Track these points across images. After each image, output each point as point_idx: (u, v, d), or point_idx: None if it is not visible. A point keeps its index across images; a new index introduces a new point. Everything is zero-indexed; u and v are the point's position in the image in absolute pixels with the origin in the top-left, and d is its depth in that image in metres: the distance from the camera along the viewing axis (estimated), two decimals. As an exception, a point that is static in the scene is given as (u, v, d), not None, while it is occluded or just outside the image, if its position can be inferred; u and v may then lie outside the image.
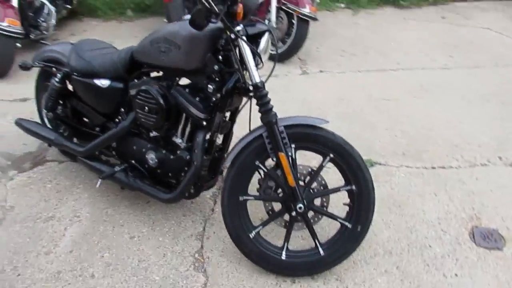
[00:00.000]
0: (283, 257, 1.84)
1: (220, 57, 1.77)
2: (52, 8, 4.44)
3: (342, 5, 6.03)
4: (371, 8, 5.88)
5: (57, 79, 2.24)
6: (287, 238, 1.87)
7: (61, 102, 2.36)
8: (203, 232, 2.11)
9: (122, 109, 2.15)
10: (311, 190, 1.87)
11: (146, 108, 1.90)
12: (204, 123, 1.87)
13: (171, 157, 1.98)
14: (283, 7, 3.95)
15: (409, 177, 2.51)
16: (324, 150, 1.81)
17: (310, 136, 1.79)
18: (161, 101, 1.86)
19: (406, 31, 5.06)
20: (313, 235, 1.85)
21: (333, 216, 1.89)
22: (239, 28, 1.68)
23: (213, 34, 1.74)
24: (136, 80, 2.03)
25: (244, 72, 1.74)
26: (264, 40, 1.75)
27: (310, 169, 1.89)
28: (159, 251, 1.99)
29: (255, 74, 1.72)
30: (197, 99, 1.86)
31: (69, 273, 1.86)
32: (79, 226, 2.13)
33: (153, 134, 2.05)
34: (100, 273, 1.87)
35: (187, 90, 1.90)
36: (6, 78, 3.69)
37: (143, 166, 2.09)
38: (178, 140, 1.98)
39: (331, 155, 1.81)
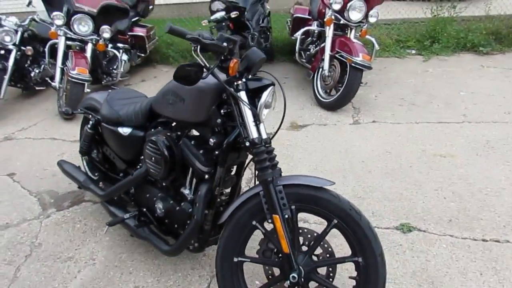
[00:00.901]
0: (279, 329, 1.67)
1: (223, 111, 1.74)
2: (125, 58, 4.88)
3: (413, 51, 5.75)
4: (445, 55, 5.50)
5: (89, 125, 2.38)
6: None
7: (94, 147, 2.49)
8: (206, 290, 2.00)
9: (142, 157, 2.20)
10: (313, 258, 1.69)
11: (153, 158, 1.92)
12: (207, 176, 1.82)
13: (176, 208, 1.95)
14: (337, 56, 3.86)
15: (452, 249, 2.17)
16: (328, 215, 1.64)
17: (311, 198, 1.64)
18: (166, 152, 1.86)
19: (481, 79, 4.60)
20: (314, 309, 1.66)
21: (337, 291, 1.67)
22: (239, 82, 1.64)
23: (218, 87, 1.71)
24: (152, 130, 2.07)
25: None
26: (265, 94, 1.67)
27: (315, 234, 1.72)
28: (157, 305, 1.92)
29: (253, 130, 1.65)
30: (201, 151, 1.83)
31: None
32: (92, 269, 2.16)
33: (164, 183, 2.05)
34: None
35: (193, 142, 1.88)
36: (74, 120, 4.05)
37: (153, 214, 2.09)
38: (186, 191, 1.95)
39: (335, 221, 1.63)
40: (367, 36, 4.17)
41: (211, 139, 1.76)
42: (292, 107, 4.08)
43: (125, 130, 2.17)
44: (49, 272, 2.16)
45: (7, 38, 4.19)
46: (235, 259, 1.72)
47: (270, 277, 1.77)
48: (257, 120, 1.67)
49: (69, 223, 2.54)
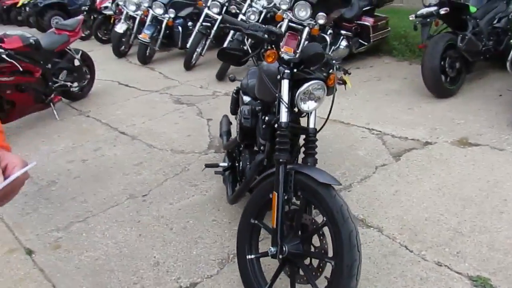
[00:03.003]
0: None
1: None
2: (343, 44, 5.25)
3: None
4: None
5: (234, 90, 2.98)
6: (272, 279, 1.87)
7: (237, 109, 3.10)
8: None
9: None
10: (306, 247, 1.79)
11: (237, 121, 2.34)
12: (262, 147, 2.13)
13: (247, 167, 2.33)
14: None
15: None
16: (321, 211, 1.70)
17: (312, 190, 1.73)
18: (242, 119, 2.24)
19: None
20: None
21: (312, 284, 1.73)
22: (285, 71, 1.85)
23: (275, 73, 1.94)
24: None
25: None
26: (306, 85, 1.81)
27: (314, 226, 1.79)
28: None
29: (283, 115, 1.84)
30: (263, 126, 2.13)
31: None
32: (201, 198, 2.84)
33: (241, 146, 2.46)
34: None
35: (263, 117, 2.19)
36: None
37: (237, 168, 2.54)
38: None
39: (324, 219, 1.68)
40: None
41: (264, 117, 2.04)
42: (477, 120, 3.53)
43: (246, 98, 2.66)
44: (179, 188, 2.98)
45: (252, 17, 5.27)
46: (252, 221, 1.99)
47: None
48: (292, 106, 1.84)
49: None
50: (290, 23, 4.84)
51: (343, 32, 5.29)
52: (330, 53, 5.08)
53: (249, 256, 1.96)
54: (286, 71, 1.84)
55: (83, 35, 8.83)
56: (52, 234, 2.59)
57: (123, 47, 7.10)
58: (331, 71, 2.05)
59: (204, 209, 2.72)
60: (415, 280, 1.99)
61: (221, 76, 5.34)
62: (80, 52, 4.87)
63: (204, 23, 5.91)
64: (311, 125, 1.94)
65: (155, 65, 6.57)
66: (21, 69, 3.86)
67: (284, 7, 4.72)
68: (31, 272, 2.28)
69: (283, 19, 4.84)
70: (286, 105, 1.84)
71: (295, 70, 1.86)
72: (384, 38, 5.86)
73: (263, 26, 1.84)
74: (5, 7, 12.16)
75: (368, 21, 5.45)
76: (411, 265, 2.09)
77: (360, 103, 4.30)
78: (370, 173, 2.97)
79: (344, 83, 2.37)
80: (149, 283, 2.14)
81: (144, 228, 2.58)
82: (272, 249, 1.77)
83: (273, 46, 1.83)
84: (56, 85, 4.57)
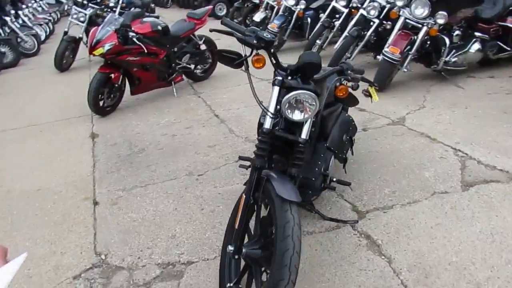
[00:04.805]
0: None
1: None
2: (474, 48, 4.55)
3: None
4: None
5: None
6: (239, 276, 1.93)
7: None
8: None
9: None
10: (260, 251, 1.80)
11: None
12: None
13: None
14: None
15: None
16: (273, 223, 1.69)
17: (270, 199, 1.74)
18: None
19: None
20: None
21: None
22: (277, 78, 1.84)
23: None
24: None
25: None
26: (288, 95, 1.78)
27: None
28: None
29: (266, 122, 1.86)
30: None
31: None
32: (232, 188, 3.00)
33: None
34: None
35: None
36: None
37: None
38: None
39: (273, 230, 1.67)
40: None
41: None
42: None
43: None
44: (231, 174, 3.18)
45: (372, 12, 4.99)
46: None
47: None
48: (276, 114, 1.84)
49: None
50: (407, 21, 4.43)
51: (477, 34, 4.59)
52: (452, 57, 4.50)
53: (229, 248, 2.05)
54: (278, 77, 1.84)
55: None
56: (117, 193, 3.12)
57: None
58: (344, 82, 1.95)
59: (237, 197, 2.86)
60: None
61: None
62: (204, 38, 5.43)
63: (328, 18, 5.88)
64: (302, 136, 1.89)
65: (279, 54, 6.79)
66: (146, 51, 4.57)
67: (399, 3, 4.35)
68: (87, 218, 2.82)
69: (398, 16, 4.46)
70: (271, 113, 1.84)
71: (289, 78, 1.83)
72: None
73: (259, 31, 1.85)
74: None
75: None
76: (397, 308, 1.87)
77: (465, 118, 3.74)
78: (422, 198, 2.64)
79: (370, 95, 2.19)
80: (158, 251, 2.44)
81: (182, 203, 2.89)
82: (230, 247, 1.84)
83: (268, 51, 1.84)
84: (179, 66, 5.24)
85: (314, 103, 1.80)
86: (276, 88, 1.85)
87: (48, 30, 11.21)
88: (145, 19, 4.89)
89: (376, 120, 3.92)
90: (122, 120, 4.63)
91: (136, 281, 2.23)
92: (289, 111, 1.82)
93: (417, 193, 2.70)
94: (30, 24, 9.67)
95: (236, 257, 1.83)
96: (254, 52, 1.86)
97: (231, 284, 1.90)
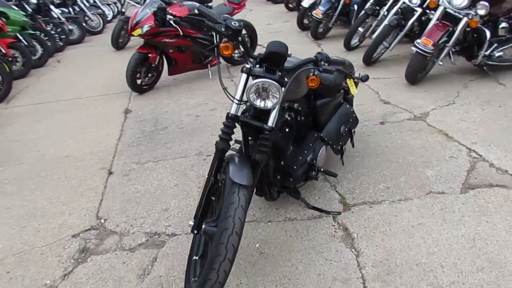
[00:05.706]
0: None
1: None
2: None
3: None
4: None
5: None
6: (204, 250, 2.06)
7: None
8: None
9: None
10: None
11: None
12: None
13: None
14: None
15: None
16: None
17: (224, 181, 1.82)
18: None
19: None
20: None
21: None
22: (245, 66, 1.90)
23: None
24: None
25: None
26: (251, 83, 1.84)
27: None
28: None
29: (233, 107, 1.93)
30: None
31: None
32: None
33: None
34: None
35: None
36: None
37: None
38: None
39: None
40: None
41: None
42: None
43: None
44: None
45: (414, 0, 4.74)
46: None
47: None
48: (241, 100, 1.91)
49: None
50: (447, 11, 4.17)
51: (529, 27, 4.20)
52: (497, 51, 4.17)
53: (189, 223, 2.15)
54: (246, 65, 1.90)
55: (290, 6, 9.72)
56: (131, 165, 3.37)
57: (306, 21, 7.47)
58: (316, 72, 1.96)
59: (234, 180, 2.97)
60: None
61: (368, 60, 5.12)
62: (241, 22, 5.50)
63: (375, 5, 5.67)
64: (269, 123, 1.93)
65: (324, 41, 6.71)
66: (182, 33, 4.76)
67: (438, -8, 4.10)
68: (99, 186, 3.10)
69: (437, 6, 4.21)
70: (237, 100, 1.91)
71: (257, 66, 1.89)
72: None
73: (230, 19, 1.91)
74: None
75: None
76: (348, 300, 1.89)
77: (493, 117, 3.50)
78: (414, 196, 2.57)
79: (348, 88, 2.16)
80: (149, 221, 2.63)
81: (184, 181, 3.06)
82: (191, 222, 1.96)
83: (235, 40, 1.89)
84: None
85: (277, 92, 1.83)
86: (244, 75, 1.92)
87: (116, 10, 11.93)
88: (184, 2, 5.08)
89: (397, 114, 3.79)
90: (155, 98, 4.91)
91: (123, 245, 2.45)
92: (254, 98, 1.88)
93: (411, 191, 2.63)
94: (99, 4, 10.38)
95: (195, 232, 1.95)
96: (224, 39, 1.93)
97: (197, 258, 2.04)
